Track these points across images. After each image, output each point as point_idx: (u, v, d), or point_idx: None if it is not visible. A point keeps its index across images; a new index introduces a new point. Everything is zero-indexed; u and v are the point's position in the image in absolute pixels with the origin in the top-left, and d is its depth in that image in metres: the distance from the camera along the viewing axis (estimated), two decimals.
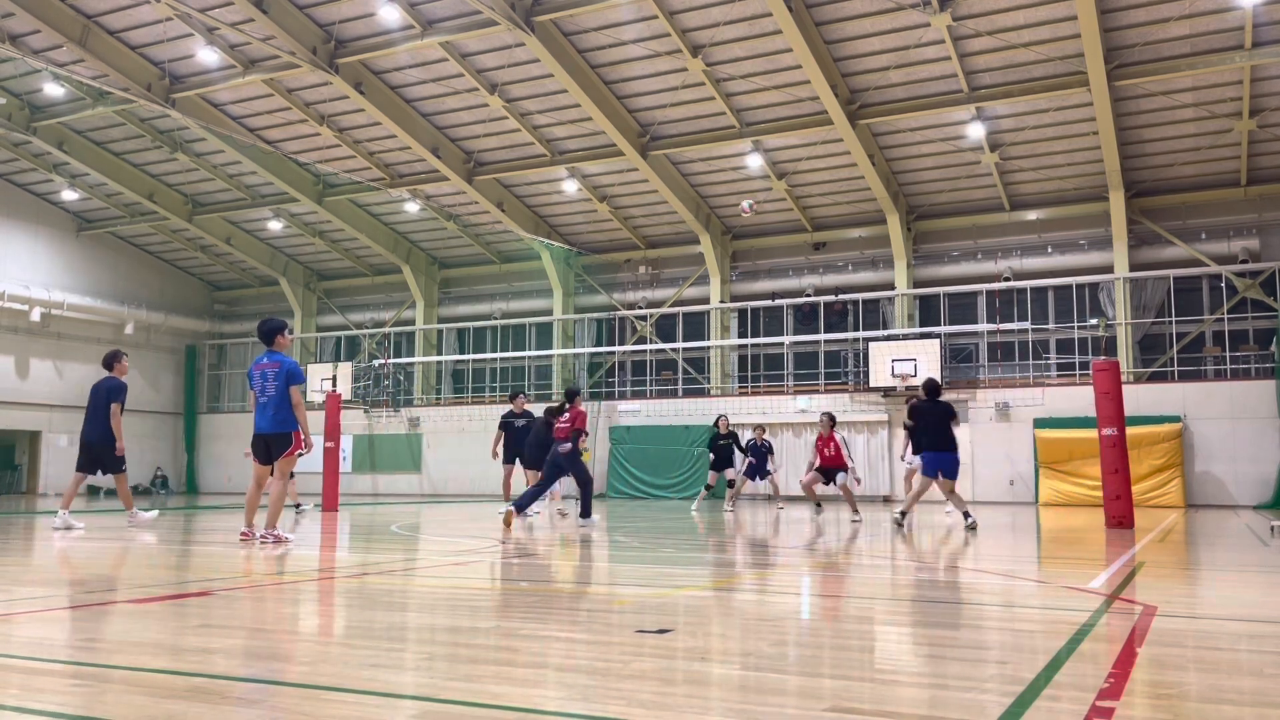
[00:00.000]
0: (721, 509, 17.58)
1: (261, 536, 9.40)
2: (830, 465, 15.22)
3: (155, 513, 13.50)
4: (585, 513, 12.41)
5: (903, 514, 12.54)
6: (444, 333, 30.87)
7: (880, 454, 24.02)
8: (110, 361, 12.27)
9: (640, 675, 3.45)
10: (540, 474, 13.41)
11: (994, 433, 22.99)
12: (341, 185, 27.62)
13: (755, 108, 22.36)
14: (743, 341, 26.51)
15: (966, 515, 12.19)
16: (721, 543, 10.06)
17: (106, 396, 11.94)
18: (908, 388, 23.38)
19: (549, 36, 20.29)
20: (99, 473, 12.12)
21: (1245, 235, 22.43)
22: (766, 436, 18.08)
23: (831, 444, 15.26)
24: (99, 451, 11.96)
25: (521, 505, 12.45)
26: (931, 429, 12.29)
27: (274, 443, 9.58)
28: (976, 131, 21.52)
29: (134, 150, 27.35)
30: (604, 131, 22.83)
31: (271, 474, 9.86)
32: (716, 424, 17.70)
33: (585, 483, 12.67)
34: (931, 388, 12.65)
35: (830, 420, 15.45)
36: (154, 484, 31.46)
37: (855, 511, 15.08)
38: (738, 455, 17.42)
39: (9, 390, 28.79)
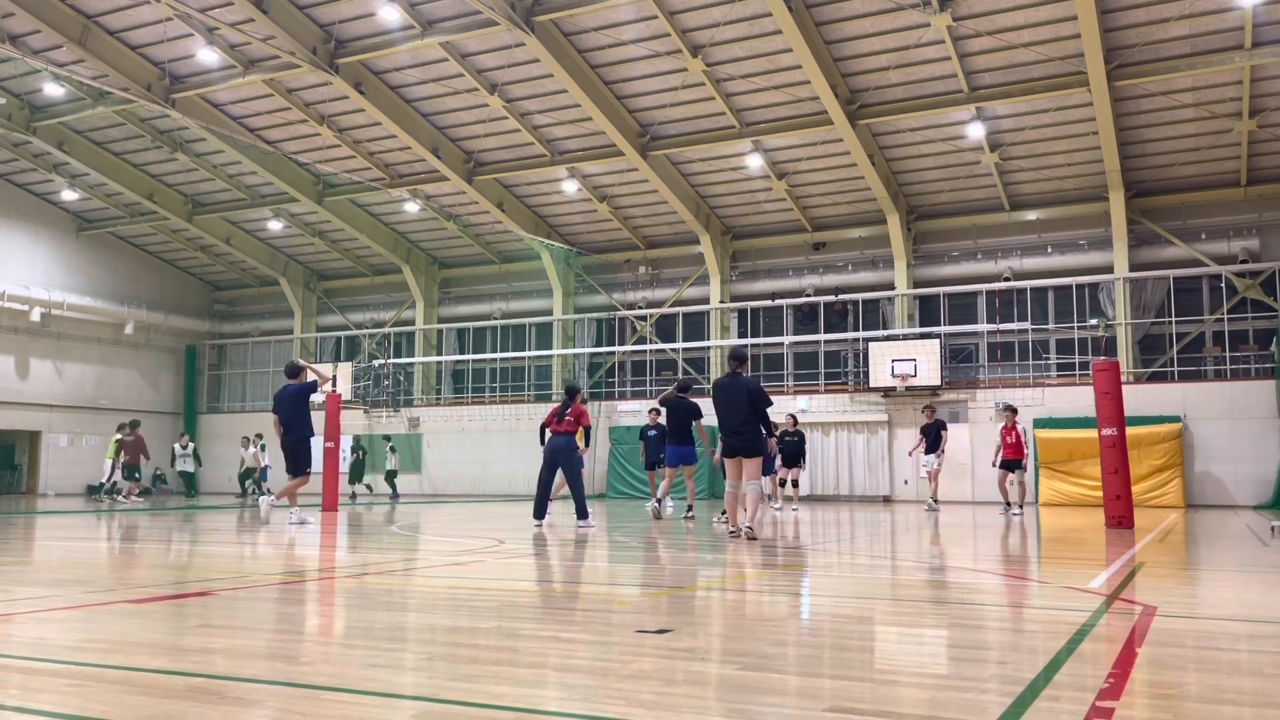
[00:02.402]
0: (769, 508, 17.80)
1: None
2: (1011, 456, 16.17)
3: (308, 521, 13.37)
4: (581, 514, 12.24)
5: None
6: (444, 333, 30.87)
7: (880, 454, 24.02)
8: (294, 371, 13.76)
9: (640, 675, 3.45)
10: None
11: (994, 433, 22.92)
12: (341, 185, 27.62)
13: (755, 108, 22.36)
14: (743, 341, 26.50)
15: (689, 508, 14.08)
16: (722, 543, 10.05)
17: (293, 401, 13.55)
18: (908, 388, 23.40)
19: (549, 36, 20.29)
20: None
21: (1245, 235, 22.43)
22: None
23: (1013, 433, 16.18)
24: (298, 450, 13.43)
25: (540, 513, 12.51)
26: (676, 425, 13.94)
27: None
28: (976, 131, 21.52)
29: (134, 150, 27.35)
30: (604, 131, 22.83)
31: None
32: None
33: (578, 483, 12.51)
34: (683, 386, 14.26)
35: (1013, 411, 16.51)
36: (154, 484, 31.44)
37: (1020, 506, 16.33)
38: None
39: (9, 390, 28.79)
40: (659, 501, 14.46)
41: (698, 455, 14.39)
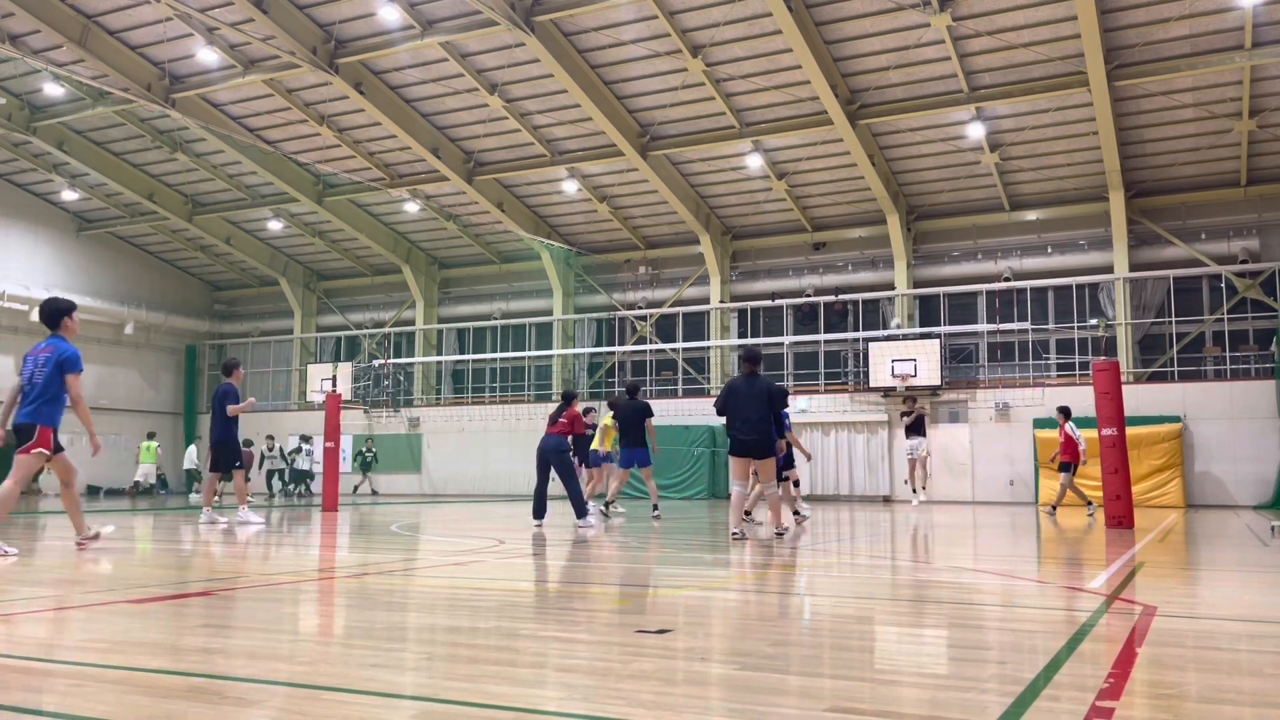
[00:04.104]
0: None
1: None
2: (1065, 459, 16.03)
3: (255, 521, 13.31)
4: (580, 513, 12.31)
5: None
6: (444, 333, 30.87)
7: (880, 454, 24.03)
8: (227, 370, 13.51)
9: (640, 675, 3.45)
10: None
11: (994, 433, 22.99)
12: (341, 185, 27.62)
13: (755, 108, 22.36)
14: (743, 341, 26.50)
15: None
16: (722, 543, 10.05)
17: (220, 400, 13.23)
18: (908, 388, 23.40)
19: (549, 36, 20.29)
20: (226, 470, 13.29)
21: (1245, 235, 22.43)
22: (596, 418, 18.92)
23: (1062, 433, 16.15)
24: (219, 451, 13.16)
25: (539, 512, 12.65)
26: (631, 427, 14.17)
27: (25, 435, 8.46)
28: (976, 131, 21.52)
29: (134, 150, 27.35)
30: (604, 131, 22.83)
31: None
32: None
33: (574, 482, 12.60)
34: (633, 388, 14.64)
35: (1064, 413, 16.25)
36: (154, 484, 31.41)
37: (1089, 504, 16.26)
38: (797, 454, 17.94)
39: (9, 390, 28.74)
40: (607, 505, 14.56)
41: (650, 456, 14.61)
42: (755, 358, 10.35)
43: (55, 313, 8.62)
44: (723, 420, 10.44)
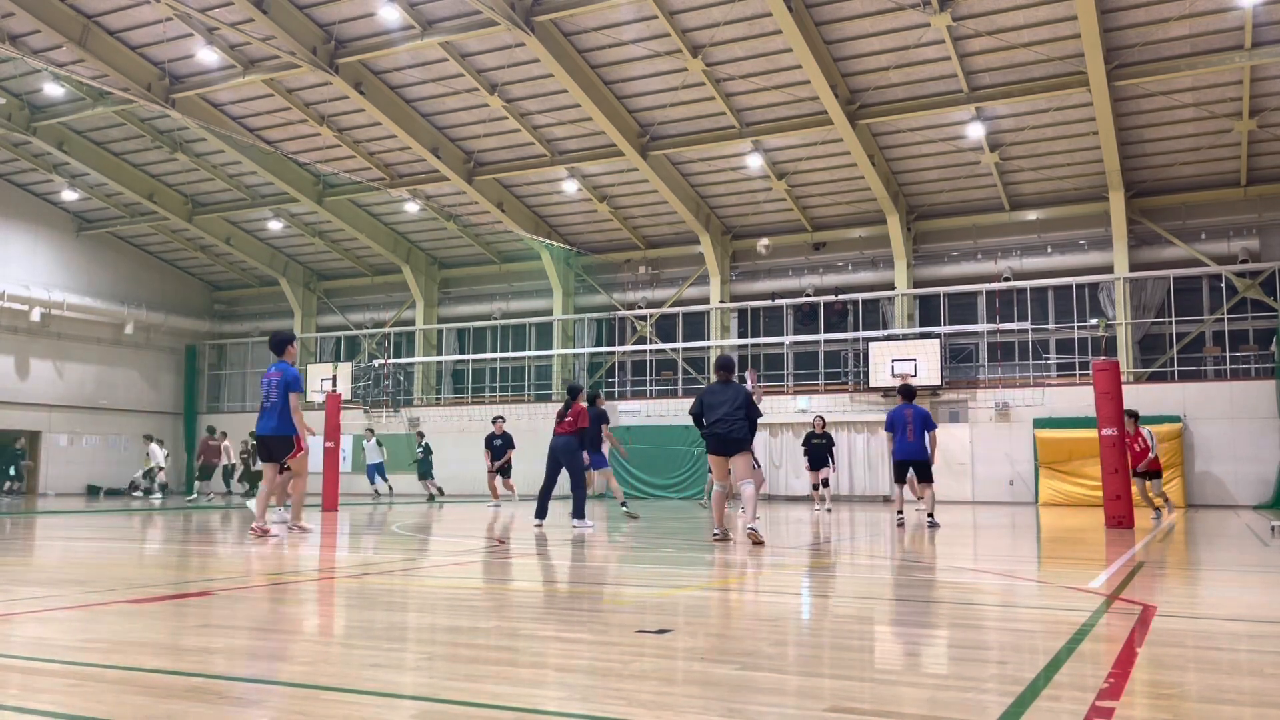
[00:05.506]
0: (814, 509, 18.10)
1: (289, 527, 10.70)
2: (1145, 466, 14.63)
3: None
4: (578, 513, 12.27)
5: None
6: (444, 333, 30.87)
7: (880, 454, 24.01)
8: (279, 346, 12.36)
9: (640, 675, 3.45)
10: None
11: (994, 433, 22.99)
12: (341, 185, 27.62)
13: (755, 108, 22.36)
14: (743, 341, 26.51)
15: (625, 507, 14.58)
16: (721, 543, 10.05)
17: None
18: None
19: (549, 36, 20.29)
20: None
21: (1245, 235, 22.43)
22: (506, 428, 19.27)
23: (1139, 440, 14.78)
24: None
25: (541, 513, 12.62)
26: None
27: (274, 445, 10.73)
28: (976, 131, 21.52)
29: (134, 150, 27.35)
30: (604, 131, 22.83)
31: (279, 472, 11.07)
32: (813, 424, 18.66)
33: (580, 483, 12.60)
34: (586, 395, 14.12)
35: (1131, 417, 14.41)
36: (165, 484, 31.38)
37: (1158, 510, 15.40)
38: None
39: (9, 390, 28.78)
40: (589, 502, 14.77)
41: (606, 459, 15.14)
42: (729, 365, 10.40)
43: (280, 343, 10.92)
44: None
